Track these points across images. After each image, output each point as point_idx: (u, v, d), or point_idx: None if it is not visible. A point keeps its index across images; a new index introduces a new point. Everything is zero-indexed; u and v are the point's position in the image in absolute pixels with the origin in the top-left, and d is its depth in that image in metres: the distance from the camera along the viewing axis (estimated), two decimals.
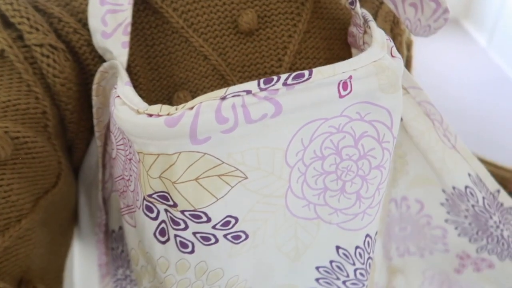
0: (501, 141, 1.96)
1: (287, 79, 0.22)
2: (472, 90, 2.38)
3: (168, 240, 0.25)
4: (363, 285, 0.31)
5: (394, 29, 0.38)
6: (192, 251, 0.25)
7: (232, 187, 0.23)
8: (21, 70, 0.26)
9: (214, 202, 0.23)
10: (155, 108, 0.23)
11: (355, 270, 0.30)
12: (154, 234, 0.26)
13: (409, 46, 0.42)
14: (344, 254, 0.29)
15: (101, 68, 0.27)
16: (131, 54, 0.30)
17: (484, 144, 1.93)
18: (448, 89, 2.38)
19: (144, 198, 0.25)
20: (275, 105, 0.22)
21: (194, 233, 0.25)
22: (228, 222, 0.24)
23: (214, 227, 0.24)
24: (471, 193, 0.34)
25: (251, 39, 0.31)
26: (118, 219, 0.34)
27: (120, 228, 0.34)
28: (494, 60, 2.68)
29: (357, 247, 0.29)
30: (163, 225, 0.25)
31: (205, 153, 0.22)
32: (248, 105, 0.22)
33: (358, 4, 0.28)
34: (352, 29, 0.32)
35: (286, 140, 0.23)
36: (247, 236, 0.25)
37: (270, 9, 0.31)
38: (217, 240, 0.25)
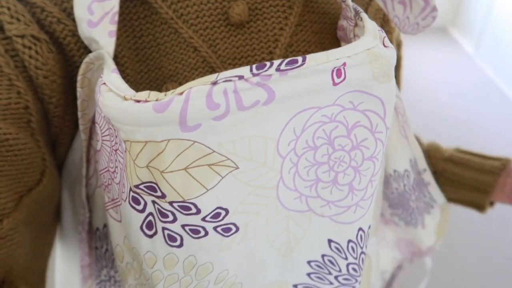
0: (487, 145, 1.99)
1: (280, 64, 0.22)
2: (460, 96, 2.42)
3: (155, 233, 0.25)
4: (356, 281, 0.30)
5: (384, 26, 0.38)
6: (181, 245, 0.25)
7: (222, 177, 0.23)
8: (2, 63, 0.25)
9: (204, 193, 0.23)
10: (143, 94, 0.22)
11: (348, 265, 0.29)
12: (141, 227, 0.25)
13: (398, 46, 0.42)
14: (337, 248, 0.29)
15: (86, 59, 0.27)
16: (118, 45, 0.29)
17: (470, 148, 1.96)
18: (436, 94, 2.41)
19: (130, 189, 0.24)
20: (268, 91, 0.22)
21: (183, 226, 0.24)
22: (218, 214, 0.24)
23: (203, 219, 0.24)
24: (407, 176, 0.40)
25: (242, 31, 0.31)
26: (102, 216, 0.33)
27: (105, 226, 0.33)
28: (481, 67, 2.74)
29: (349, 241, 0.29)
30: (150, 217, 0.24)
31: (195, 141, 0.22)
32: (240, 91, 0.21)
33: None
34: (342, 22, 0.32)
35: (278, 129, 0.23)
36: (237, 229, 0.25)
37: (261, 1, 0.31)
38: (206, 233, 0.24)
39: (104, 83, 0.24)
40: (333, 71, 0.22)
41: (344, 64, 0.23)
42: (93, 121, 0.30)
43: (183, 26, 0.30)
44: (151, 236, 0.25)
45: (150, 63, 0.31)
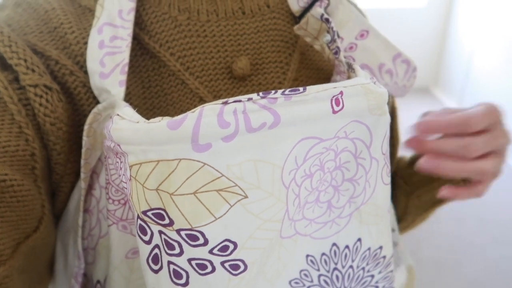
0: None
1: (284, 91, 0.24)
2: None
3: (161, 268, 0.25)
4: None
5: None
6: (186, 283, 0.25)
7: (231, 206, 0.24)
8: (14, 111, 0.27)
9: (212, 222, 0.24)
10: (156, 119, 0.24)
11: (319, 276, 0.30)
12: (147, 260, 0.25)
13: (391, 101, 0.46)
14: (311, 261, 0.30)
15: (95, 110, 0.29)
16: (127, 94, 0.32)
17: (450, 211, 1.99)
18: None
19: (138, 217, 0.25)
20: (274, 115, 0.24)
21: (190, 260, 0.24)
22: (226, 247, 0.24)
23: (211, 251, 0.24)
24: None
25: (244, 83, 0.35)
26: (105, 267, 0.33)
27: (106, 279, 0.33)
28: None
29: (323, 254, 0.30)
30: (156, 250, 0.25)
31: (205, 164, 0.23)
32: (248, 111, 0.23)
33: (341, 53, 0.32)
34: (335, 77, 0.35)
35: (283, 155, 0.25)
36: (246, 267, 0.25)
37: (262, 58, 0.35)
38: (214, 269, 0.24)
39: (117, 115, 0.25)
40: (332, 99, 0.25)
41: (341, 93, 0.25)
42: (94, 171, 0.31)
43: (190, 77, 0.33)
44: (156, 272, 0.25)
45: (157, 111, 0.33)
